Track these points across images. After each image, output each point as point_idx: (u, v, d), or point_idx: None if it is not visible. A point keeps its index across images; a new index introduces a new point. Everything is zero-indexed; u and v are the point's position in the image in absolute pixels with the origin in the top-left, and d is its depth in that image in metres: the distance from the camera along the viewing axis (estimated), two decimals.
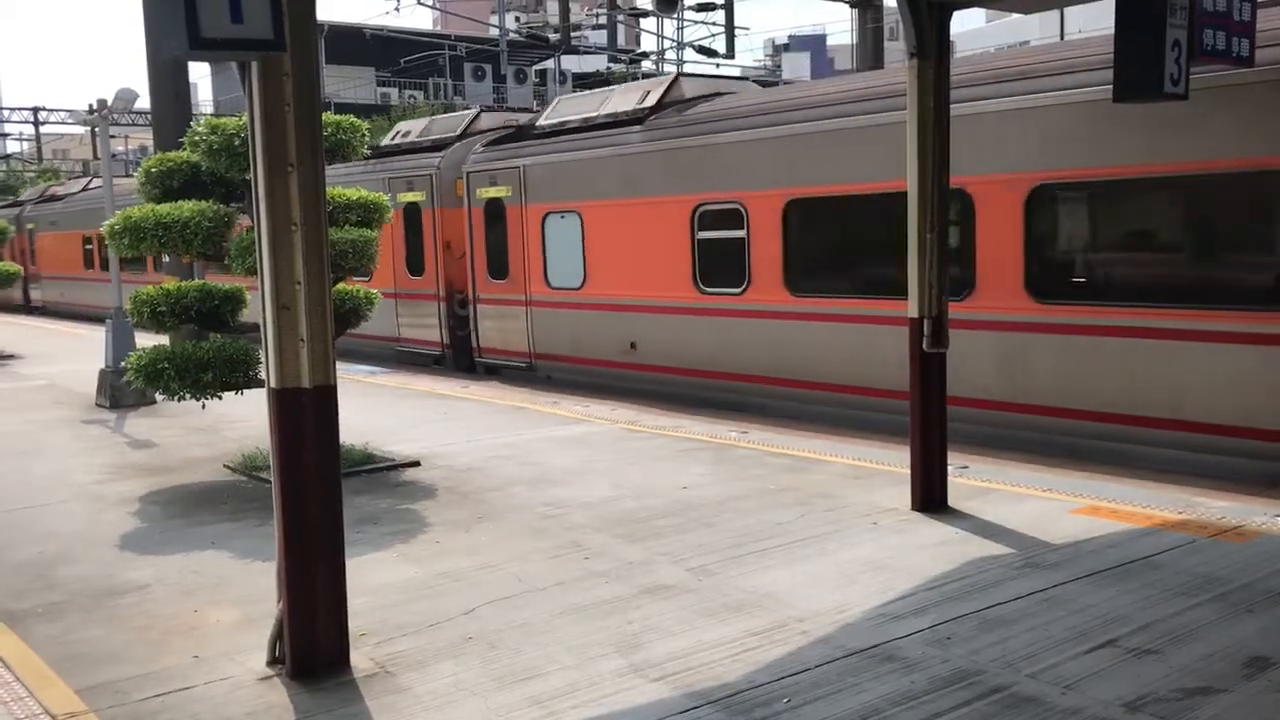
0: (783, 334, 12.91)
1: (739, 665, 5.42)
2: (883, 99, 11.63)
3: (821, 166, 12.27)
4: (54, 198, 36.28)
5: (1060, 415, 10.37)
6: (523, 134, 17.32)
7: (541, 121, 17.00)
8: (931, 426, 8.15)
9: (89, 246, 32.45)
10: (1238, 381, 9.18)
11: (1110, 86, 6.89)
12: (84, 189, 34.96)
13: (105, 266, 33.18)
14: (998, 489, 8.71)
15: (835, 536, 7.54)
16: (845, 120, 12.06)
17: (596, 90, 17.42)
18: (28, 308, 36.78)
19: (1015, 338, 10.62)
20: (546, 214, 16.15)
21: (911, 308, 8.03)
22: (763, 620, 5.99)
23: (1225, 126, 9.05)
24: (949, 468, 8.36)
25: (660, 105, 14.86)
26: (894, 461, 9.55)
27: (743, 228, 13.21)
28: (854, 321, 12.09)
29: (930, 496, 8.14)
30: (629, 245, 14.86)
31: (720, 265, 13.58)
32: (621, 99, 15.84)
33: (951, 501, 8.21)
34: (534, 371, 16.49)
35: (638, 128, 14.80)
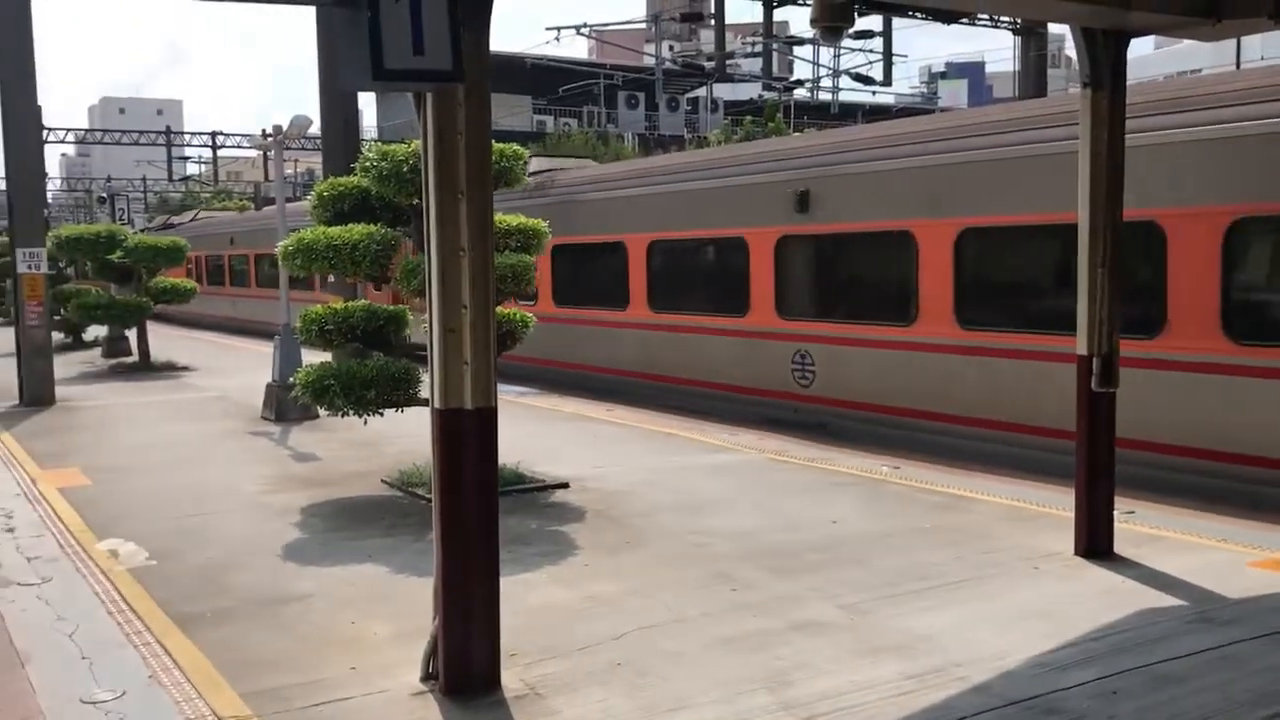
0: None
1: (893, 709, 5.27)
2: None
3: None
4: (170, 225, 40.48)
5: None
6: None
7: None
8: (1098, 469, 7.82)
9: (218, 264, 36.03)
10: None
11: None
12: (192, 219, 39.95)
13: (233, 283, 35.42)
14: (1167, 536, 8.30)
15: (994, 580, 7.29)
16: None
17: None
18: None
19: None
20: None
21: (1080, 345, 7.73)
22: (918, 664, 5.83)
23: None
24: (1115, 512, 8.01)
25: None
26: (1055, 504, 9.20)
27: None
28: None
29: (1095, 542, 7.80)
30: None
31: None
32: None
33: (1117, 548, 7.85)
34: None
35: None
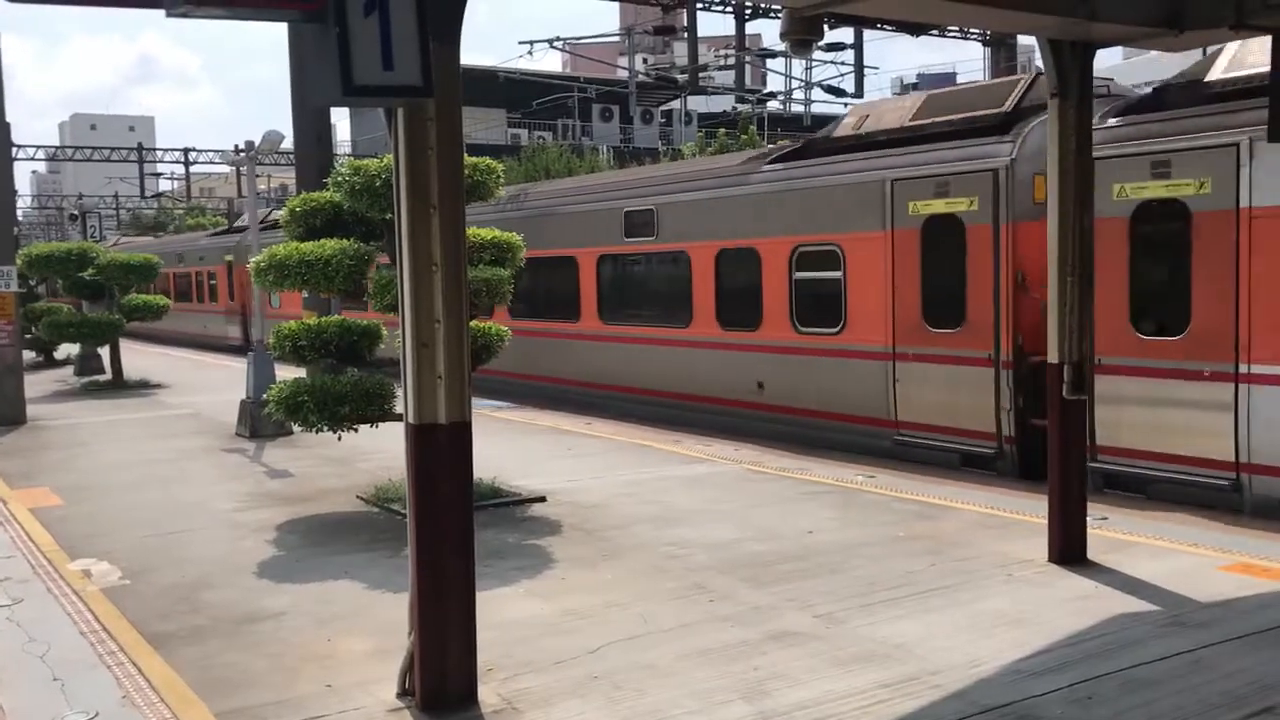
0: None
1: (869, 718, 5.29)
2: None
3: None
4: (276, 224, 36.84)
5: None
6: (1192, 94, 10.61)
7: (1224, 75, 10.43)
8: (1071, 476, 7.88)
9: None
10: None
11: None
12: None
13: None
14: (1140, 542, 8.37)
15: (968, 587, 7.33)
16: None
17: None
18: (247, 348, 34.68)
19: None
20: None
21: (1051, 353, 7.80)
22: (893, 672, 5.85)
23: None
24: (1088, 519, 8.08)
25: None
26: (1028, 510, 9.26)
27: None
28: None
29: (1069, 549, 7.86)
30: None
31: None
32: None
33: (1091, 554, 7.91)
34: (1242, 495, 9.74)
35: None
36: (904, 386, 12.51)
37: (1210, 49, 10.83)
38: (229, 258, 34.34)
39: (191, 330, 33.56)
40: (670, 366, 15.95)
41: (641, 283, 17.02)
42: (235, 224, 40.27)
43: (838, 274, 13.27)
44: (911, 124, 13.09)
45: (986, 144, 11.78)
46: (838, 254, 13.26)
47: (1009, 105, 12.04)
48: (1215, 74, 10.42)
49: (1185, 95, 10.56)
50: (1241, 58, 10.23)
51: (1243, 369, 9.54)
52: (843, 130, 14.23)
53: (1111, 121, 10.66)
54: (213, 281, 35.74)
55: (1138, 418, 10.32)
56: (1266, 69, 9.04)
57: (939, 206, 12.02)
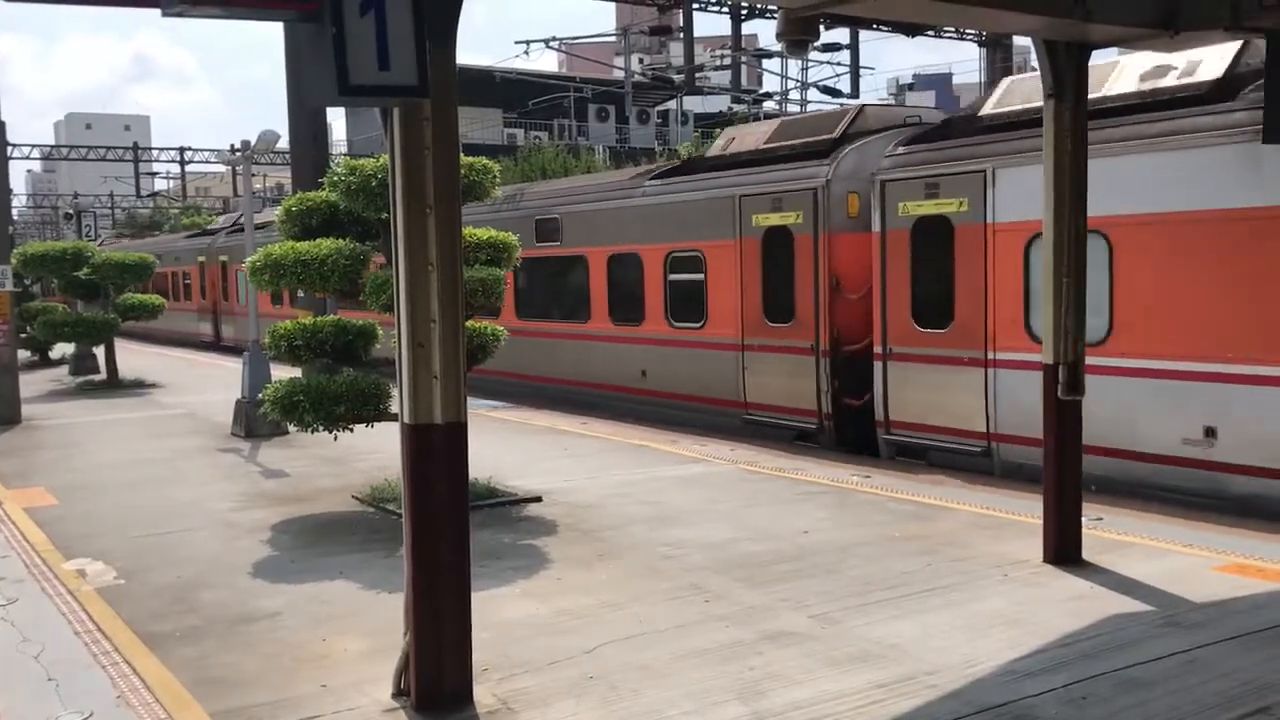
0: None
1: (864, 718, 5.30)
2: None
3: None
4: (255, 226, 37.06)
5: None
6: (967, 126, 12.42)
7: (991, 110, 12.16)
8: (1066, 477, 7.89)
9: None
10: None
11: None
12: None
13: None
14: (1135, 543, 8.38)
15: (964, 588, 7.34)
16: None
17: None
18: (218, 345, 33.20)
19: None
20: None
21: (1046, 353, 7.81)
22: (889, 672, 5.86)
23: None
24: (1083, 519, 8.09)
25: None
26: (1024, 511, 9.28)
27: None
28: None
29: (1063, 549, 7.87)
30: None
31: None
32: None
33: (1086, 555, 7.92)
34: (991, 459, 11.59)
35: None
36: (750, 374, 14.46)
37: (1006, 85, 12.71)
38: (201, 259, 34.90)
39: (167, 327, 34.35)
40: (574, 358, 18.01)
41: (550, 283, 18.84)
42: (209, 227, 41.47)
43: (700, 276, 15.24)
44: (764, 147, 15.05)
45: (810, 166, 13.67)
46: (700, 259, 15.23)
47: (838, 132, 13.91)
48: (985, 109, 12.27)
49: (960, 128, 12.42)
50: (1005, 98, 12.11)
51: (990, 356, 11.42)
52: (715, 150, 16.46)
53: (900, 150, 12.60)
54: (187, 281, 36.67)
55: (920, 397, 12.24)
56: (1022, 106, 11.43)
57: (774, 219, 13.82)
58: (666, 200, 15.93)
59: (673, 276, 15.75)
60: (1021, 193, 10.64)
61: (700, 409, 15.34)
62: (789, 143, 14.57)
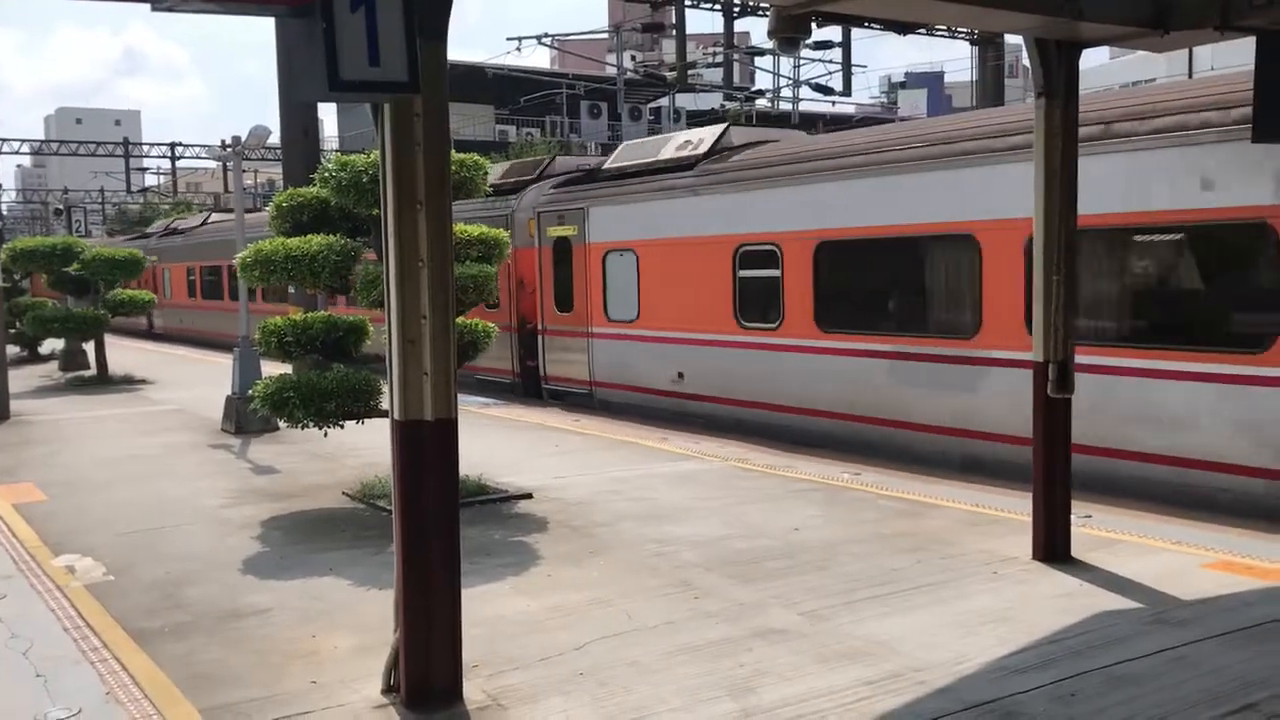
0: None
1: (853, 715, 5.31)
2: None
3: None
4: (176, 232, 38.54)
5: None
6: (589, 176, 18.39)
7: (608, 166, 18.04)
8: (1055, 474, 7.91)
9: (211, 278, 35.24)
10: None
11: None
12: (202, 224, 37.74)
13: (234, 296, 35.17)
14: (1123, 540, 8.41)
15: (953, 585, 7.35)
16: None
17: (656, 138, 18.75)
18: (150, 333, 38.97)
19: None
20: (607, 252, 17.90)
21: (1036, 351, 7.82)
22: (878, 669, 5.87)
23: None
24: (1072, 517, 8.11)
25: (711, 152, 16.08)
26: (1014, 508, 9.30)
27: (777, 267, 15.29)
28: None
29: (1053, 546, 7.89)
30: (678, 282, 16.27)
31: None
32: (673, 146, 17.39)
33: (1075, 552, 7.94)
34: (593, 399, 17.42)
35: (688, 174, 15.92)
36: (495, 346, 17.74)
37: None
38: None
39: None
40: None
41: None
42: (147, 230, 45.54)
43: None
44: (497, 181, 18.52)
45: (510, 198, 19.30)
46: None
47: (534, 175, 19.62)
48: (606, 165, 17.94)
49: (587, 177, 18.35)
50: (617, 157, 17.86)
51: (590, 330, 17.33)
52: (493, 177, 19.77)
53: (550, 191, 18.54)
54: None
55: (559, 358, 18.14)
56: (620, 164, 17.16)
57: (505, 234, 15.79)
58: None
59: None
60: (603, 223, 16.98)
61: (486, 378, 19.79)
62: (511, 180, 19.93)
